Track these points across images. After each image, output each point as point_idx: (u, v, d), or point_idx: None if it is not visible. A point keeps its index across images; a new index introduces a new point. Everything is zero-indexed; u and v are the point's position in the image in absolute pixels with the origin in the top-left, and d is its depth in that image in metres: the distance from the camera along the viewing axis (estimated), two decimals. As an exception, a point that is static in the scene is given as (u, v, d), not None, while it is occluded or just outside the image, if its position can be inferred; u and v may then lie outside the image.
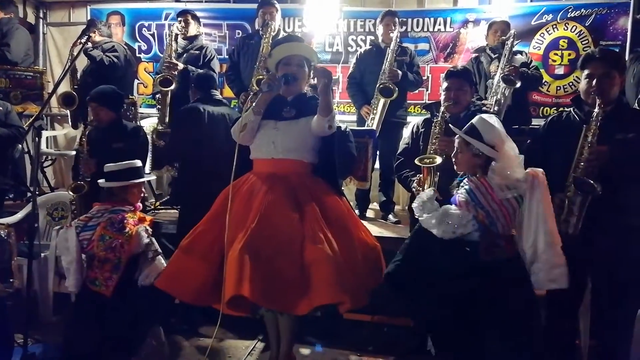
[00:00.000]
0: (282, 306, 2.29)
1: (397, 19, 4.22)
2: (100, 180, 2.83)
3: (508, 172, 2.14)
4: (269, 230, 2.28)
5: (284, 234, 2.29)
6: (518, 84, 3.82)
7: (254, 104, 2.51)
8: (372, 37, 5.16)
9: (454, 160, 2.34)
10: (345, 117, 4.98)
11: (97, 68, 4.47)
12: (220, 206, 2.47)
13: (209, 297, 2.41)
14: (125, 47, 4.86)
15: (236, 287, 2.14)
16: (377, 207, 4.39)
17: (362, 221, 2.77)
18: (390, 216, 4.15)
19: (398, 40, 4.11)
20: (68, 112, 4.52)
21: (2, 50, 4.88)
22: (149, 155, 3.93)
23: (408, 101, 4.43)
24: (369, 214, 4.34)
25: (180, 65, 4.24)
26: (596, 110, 2.29)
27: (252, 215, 2.34)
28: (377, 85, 4.00)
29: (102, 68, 4.43)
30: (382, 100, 4.00)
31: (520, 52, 4.22)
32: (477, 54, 4.33)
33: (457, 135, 2.30)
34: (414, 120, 3.28)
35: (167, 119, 4.17)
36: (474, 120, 2.28)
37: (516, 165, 2.16)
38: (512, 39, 3.97)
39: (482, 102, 3.76)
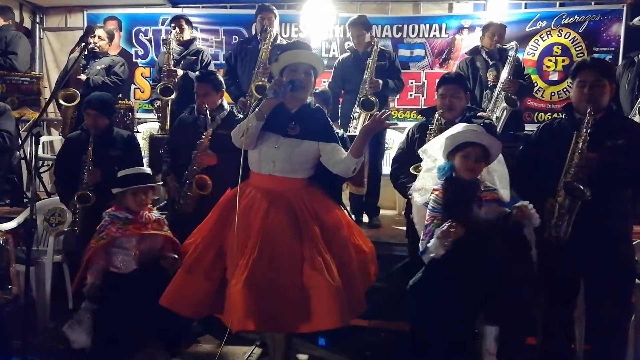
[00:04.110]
0: (284, 328, 2.34)
1: (362, 28, 4.11)
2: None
3: None
4: (270, 255, 2.30)
5: (284, 257, 2.31)
6: (518, 105, 3.90)
7: (257, 109, 2.42)
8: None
9: (471, 167, 2.32)
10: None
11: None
12: (220, 218, 2.49)
13: (209, 309, 2.46)
14: (122, 60, 4.77)
15: (243, 322, 2.21)
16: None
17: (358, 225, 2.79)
18: (374, 219, 4.17)
19: (376, 47, 4.02)
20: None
21: (9, 59, 4.89)
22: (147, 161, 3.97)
23: (404, 107, 4.44)
24: (365, 218, 4.34)
25: (180, 72, 4.27)
26: (587, 117, 2.33)
27: (253, 238, 2.34)
28: (358, 97, 3.95)
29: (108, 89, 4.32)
30: (362, 114, 3.92)
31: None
32: (471, 56, 4.29)
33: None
34: (409, 126, 3.30)
35: (167, 126, 4.20)
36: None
37: None
38: (514, 54, 3.96)
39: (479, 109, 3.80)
